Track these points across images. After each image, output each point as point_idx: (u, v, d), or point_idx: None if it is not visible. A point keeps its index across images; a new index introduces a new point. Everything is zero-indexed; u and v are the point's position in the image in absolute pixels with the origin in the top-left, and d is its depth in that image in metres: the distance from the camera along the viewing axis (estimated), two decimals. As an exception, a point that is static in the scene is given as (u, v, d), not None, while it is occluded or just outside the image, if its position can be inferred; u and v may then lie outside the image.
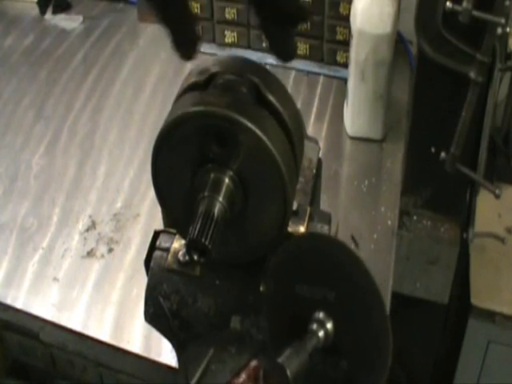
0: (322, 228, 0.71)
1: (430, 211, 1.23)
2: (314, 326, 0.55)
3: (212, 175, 0.58)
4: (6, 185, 1.10)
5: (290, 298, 0.57)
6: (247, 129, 0.56)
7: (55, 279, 0.96)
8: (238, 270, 0.68)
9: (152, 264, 0.70)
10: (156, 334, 0.74)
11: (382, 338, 0.53)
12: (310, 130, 1.18)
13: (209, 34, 1.35)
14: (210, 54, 1.33)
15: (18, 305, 0.93)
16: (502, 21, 0.91)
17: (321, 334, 0.55)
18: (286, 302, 0.58)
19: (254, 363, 0.64)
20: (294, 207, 0.70)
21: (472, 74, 0.98)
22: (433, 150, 1.13)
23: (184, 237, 0.64)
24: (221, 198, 0.57)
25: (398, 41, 1.19)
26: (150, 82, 1.31)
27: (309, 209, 0.72)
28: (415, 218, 1.23)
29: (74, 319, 0.91)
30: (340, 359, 0.56)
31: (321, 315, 0.55)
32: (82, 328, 0.90)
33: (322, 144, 0.94)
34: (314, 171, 0.80)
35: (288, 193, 0.58)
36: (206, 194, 0.57)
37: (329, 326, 0.55)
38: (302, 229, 0.70)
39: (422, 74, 1.11)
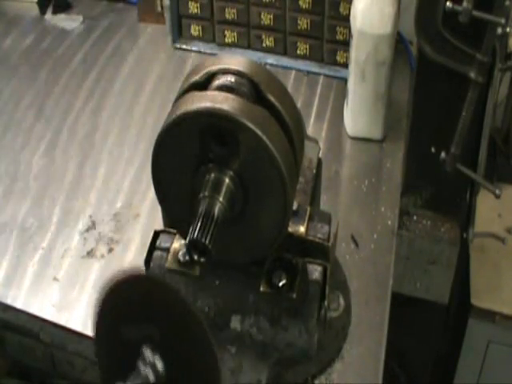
0: (321, 228, 0.71)
1: (430, 211, 1.23)
2: (141, 366, 0.52)
3: (212, 175, 0.58)
4: (6, 185, 1.10)
5: (117, 339, 0.54)
6: (247, 129, 0.56)
7: (55, 279, 0.96)
8: (238, 270, 0.68)
9: (152, 264, 0.71)
10: (156, 334, 0.74)
11: (211, 372, 0.51)
12: (310, 130, 1.17)
13: (209, 34, 1.35)
14: (209, 54, 1.33)
15: (18, 305, 0.93)
16: (502, 21, 0.91)
17: (149, 373, 0.52)
18: (113, 342, 0.55)
19: None
20: (294, 207, 0.70)
21: (472, 74, 0.98)
22: (433, 150, 1.13)
23: (184, 237, 0.64)
24: (221, 198, 0.57)
25: (398, 41, 1.19)
26: (149, 81, 1.31)
27: (309, 209, 0.72)
28: (415, 218, 1.23)
29: (73, 319, 0.91)
30: None
31: (148, 354, 0.52)
32: (82, 328, 0.90)
33: (322, 144, 0.94)
34: (314, 171, 0.80)
35: (288, 193, 0.58)
36: (206, 193, 0.57)
37: (159, 364, 0.52)
38: (302, 229, 0.70)
39: (422, 74, 1.11)
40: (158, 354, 0.52)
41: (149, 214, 1.04)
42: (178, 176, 0.61)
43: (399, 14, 1.07)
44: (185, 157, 0.59)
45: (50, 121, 1.22)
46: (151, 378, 0.52)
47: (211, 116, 0.56)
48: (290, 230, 0.68)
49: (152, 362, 0.52)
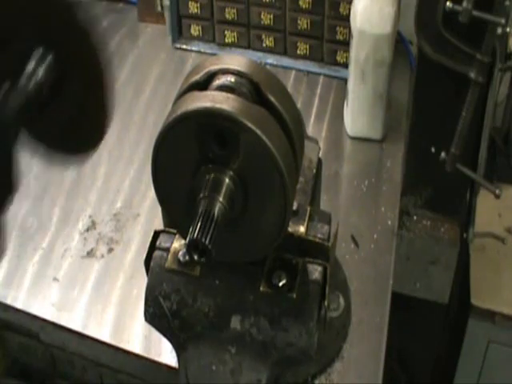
0: (321, 228, 0.71)
1: (430, 211, 1.23)
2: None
3: (212, 175, 0.58)
4: (6, 185, 1.10)
5: None
6: (247, 129, 0.56)
7: (55, 279, 0.96)
8: (238, 270, 0.68)
9: (152, 264, 0.71)
10: (156, 334, 0.74)
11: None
12: (310, 130, 1.18)
13: (209, 34, 1.35)
14: (210, 54, 1.33)
15: (18, 305, 0.93)
16: (502, 21, 0.91)
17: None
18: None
19: None
20: (294, 207, 0.70)
21: (472, 74, 0.98)
22: (433, 150, 1.13)
23: (184, 237, 0.64)
24: (221, 198, 0.57)
25: (398, 41, 1.19)
26: (149, 81, 1.31)
27: (309, 209, 0.72)
28: (415, 218, 1.23)
29: (73, 319, 0.91)
30: None
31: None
32: (82, 328, 0.90)
33: (322, 144, 0.94)
34: (314, 171, 0.80)
35: (288, 193, 0.58)
36: (206, 193, 0.57)
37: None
38: (302, 229, 0.70)
39: (422, 74, 1.11)
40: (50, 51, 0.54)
41: (149, 214, 1.04)
42: (178, 176, 0.61)
43: (399, 14, 1.07)
44: (185, 157, 0.59)
45: (49, 121, 1.22)
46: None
47: (211, 116, 0.56)
48: (290, 230, 0.68)
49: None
